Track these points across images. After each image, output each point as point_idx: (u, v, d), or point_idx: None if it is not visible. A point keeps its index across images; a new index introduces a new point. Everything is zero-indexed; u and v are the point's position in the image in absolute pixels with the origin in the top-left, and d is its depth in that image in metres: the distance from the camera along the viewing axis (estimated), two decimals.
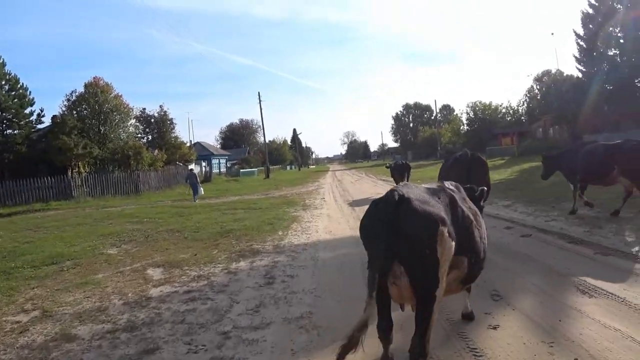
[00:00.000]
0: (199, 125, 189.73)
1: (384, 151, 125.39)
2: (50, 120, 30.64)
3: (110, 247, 10.54)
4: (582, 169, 9.36)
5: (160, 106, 40.99)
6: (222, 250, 9.01)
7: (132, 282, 7.10)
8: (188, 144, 65.54)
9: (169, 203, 22.54)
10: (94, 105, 30.66)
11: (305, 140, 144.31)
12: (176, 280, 7.00)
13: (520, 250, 7.23)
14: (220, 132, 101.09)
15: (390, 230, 2.90)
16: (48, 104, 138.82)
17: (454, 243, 3.14)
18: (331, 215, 13.41)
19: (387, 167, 19.60)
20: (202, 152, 63.63)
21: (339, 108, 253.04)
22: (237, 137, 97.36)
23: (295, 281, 6.39)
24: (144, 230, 12.73)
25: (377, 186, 25.34)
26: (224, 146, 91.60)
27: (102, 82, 32.19)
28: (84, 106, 31.06)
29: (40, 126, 32.07)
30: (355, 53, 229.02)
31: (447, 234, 3.05)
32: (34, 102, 30.94)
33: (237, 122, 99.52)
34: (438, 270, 3.00)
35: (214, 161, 66.77)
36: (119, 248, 10.36)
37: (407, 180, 17.74)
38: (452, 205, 3.39)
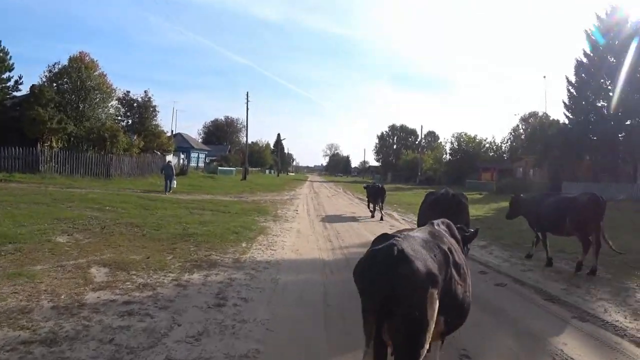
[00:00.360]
0: (182, 116, 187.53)
1: (364, 168, 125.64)
2: (29, 90, 29.32)
3: (61, 234, 9.78)
4: (542, 217, 9.40)
5: (145, 91, 39.87)
6: (177, 256, 8.35)
7: (70, 281, 6.41)
8: (169, 134, 64.79)
9: (138, 192, 21.68)
10: (75, 80, 29.50)
11: (287, 147, 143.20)
12: (119, 285, 6.33)
13: (494, 302, 6.76)
14: (203, 127, 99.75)
15: (387, 287, 2.83)
16: (30, 73, 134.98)
17: (438, 303, 3.04)
18: (301, 231, 12.84)
19: (364, 187, 19.54)
20: (182, 144, 62.42)
21: (325, 119, 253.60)
22: (220, 133, 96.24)
23: (248, 307, 5.79)
24: (102, 220, 12.01)
25: (352, 204, 24.91)
26: (205, 141, 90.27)
27: (87, 58, 31.13)
28: (65, 80, 29.86)
29: (17, 94, 30.79)
30: (348, 67, 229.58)
31: (436, 296, 2.98)
32: (13, 68, 29.77)
33: (222, 119, 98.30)
34: (425, 332, 2.93)
35: (193, 155, 65.61)
36: (69, 236, 9.61)
37: (382, 204, 17.98)
38: (445, 263, 3.27)
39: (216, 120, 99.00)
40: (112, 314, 5.22)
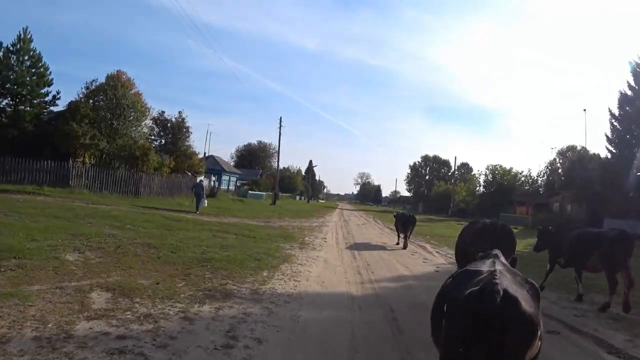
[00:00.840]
0: (216, 139, 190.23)
1: (395, 198, 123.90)
2: (66, 105, 29.75)
3: (72, 251, 9.15)
4: (566, 251, 9.15)
5: (179, 112, 40.15)
6: (190, 283, 7.54)
7: (64, 307, 5.66)
8: (200, 155, 65.26)
9: (164, 212, 21.22)
10: (111, 97, 29.75)
11: (319, 174, 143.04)
12: (117, 315, 5.54)
13: (549, 353, 5.67)
14: (236, 150, 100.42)
15: (494, 333, 2.62)
16: (71, 91, 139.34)
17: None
18: (329, 261, 11.91)
19: (394, 216, 18.82)
20: (214, 167, 62.81)
21: (358, 148, 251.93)
22: (252, 158, 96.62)
23: (261, 350, 4.88)
24: (119, 238, 11.39)
25: (382, 234, 23.84)
26: (237, 165, 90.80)
27: (124, 76, 31.50)
28: (101, 97, 30.17)
29: (55, 109, 31.27)
30: (381, 97, 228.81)
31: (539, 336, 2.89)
32: (52, 83, 30.23)
33: (255, 143, 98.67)
34: None
35: (224, 177, 65.85)
36: (80, 254, 8.97)
37: (410, 233, 17.51)
38: (537, 300, 3.14)
39: (249, 144, 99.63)
40: (100, 351, 4.40)
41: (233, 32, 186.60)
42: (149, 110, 32.94)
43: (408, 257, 14.38)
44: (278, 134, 52.74)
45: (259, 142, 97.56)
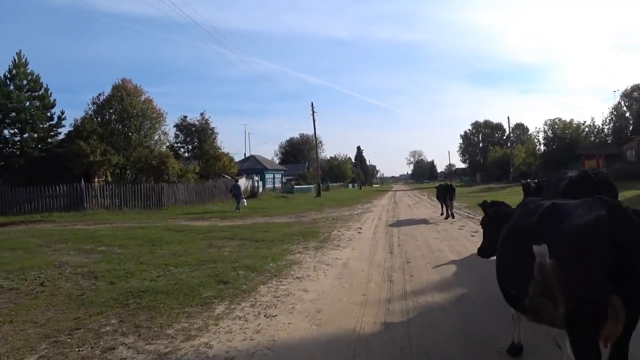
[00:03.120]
0: (260, 140, 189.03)
1: (451, 172, 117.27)
2: (72, 125, 27.61)
3: None
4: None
5: (201, 114, 37.22)
6: (61, 346, 4.19)
7: None
8: (240, 157, 62.96)
9: (181, 221, 18.39)
10: (116, 108, 27.25)
11: (369, 159, 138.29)
12: None
13: None
14: (280, 147, 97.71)
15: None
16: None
17: None
18: (350, 265, 8.30)
19: (436, 188, 18.74)
20: (255, 166, 60.30)
21: (405, 127, 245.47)
22: (297, 152, 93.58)
23: None
24: (64, 269, 8.40)
25: (436, 212, 19.88)
26: (283, 161, 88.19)
27: (130, 84, 28.87)
28: (110, 110, 27.76)
29: (63, 130, 29.22)
30: (422, 72, 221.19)
31: None
32: (55, 104, 28.02)
33: (298, 136, 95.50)
34: None
35: (268, 176, 63.18)
36: None
37: (451, 202, 16.70)
38: None
39: (291, 139, 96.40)
40: None
41: (267, 35, 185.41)
42: (162, 116, 30.06)
43: (466, 241, 10.54)
44: (312, 120, 49.08)
45: (301, 135, 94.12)
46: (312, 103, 50.07)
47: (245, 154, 65.11)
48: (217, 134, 37.08)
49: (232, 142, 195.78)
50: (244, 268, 7.50)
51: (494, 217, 4.34)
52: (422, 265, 7.99)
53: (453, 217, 16.17)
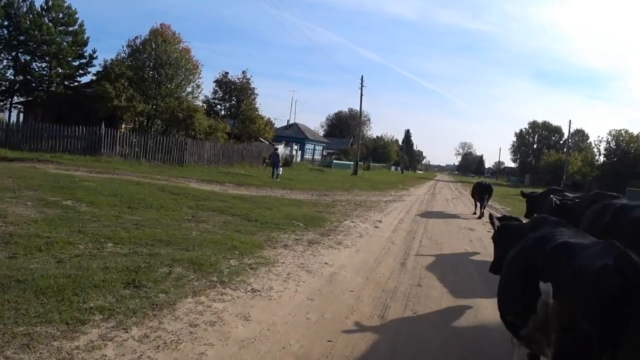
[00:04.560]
0: (306, 109, 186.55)
1: (499, 170, 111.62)
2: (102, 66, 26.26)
3: None
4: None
5: (243, 72, 35.20)
6: None
7: None
8: (283, 123, 61.14)
9: (187, 182, 16.74)
10: (150, 53, 25.58)
11: (417, 144, 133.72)
12: None
13: None
14: (327, 119, 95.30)
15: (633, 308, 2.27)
16: None
17: None
18: (337, 278, 6.14)
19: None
20: (297, 135, 58.54)
21: (459, 116, 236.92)
22: (344, 126, 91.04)
23: None
24: None
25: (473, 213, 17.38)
26: (328, 134, 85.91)
27: (168, 30, 27.06)
28: (144, 55, 26.15)
29: (92, 70, 27.96)
30: (483, 63, 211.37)
31: None
32: (87, 42, 26.68)
33: (346, 111, 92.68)
34: None
35: (308, 146, 61.32)
36: None
37: (487, 202, 16.77)
38: None
39: (339, 112, 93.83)
40: None
41: (330, 5, 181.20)
42: (197, 68, 28.19)
43: None
44: (360, 94, 46.43)
45: (350, 110, 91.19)
46: (361, 76, 47.37)
47: (288, 120, 63.21)
48: (257, 94, 35.09)
49: (280, 109, 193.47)
50: (189, 263, 5.48)
51: (503, 233, 3.96)
52: (437, 295, 5.79)
53: (483, 215, 15.54)
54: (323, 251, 7.47)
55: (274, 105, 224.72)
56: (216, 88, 35.17)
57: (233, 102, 35.09)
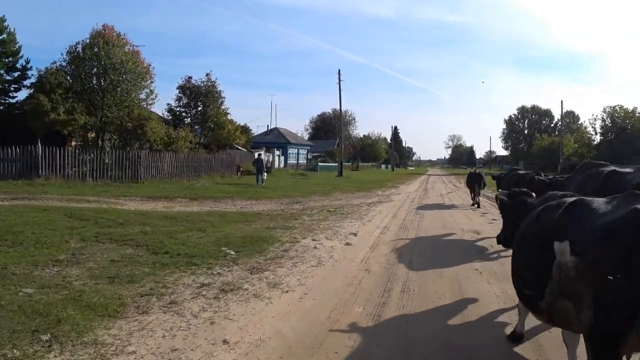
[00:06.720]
0: (289, 114, 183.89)
1: (491, 159, 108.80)
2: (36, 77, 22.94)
3: None
4: None
5: (207, 75, 31.96)
6: None
7: None
8: (263, 129, 58.00)
9: (123, 202, 13.52)
10: (90, 58, 22.24)
11: (406, 141, 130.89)
12: None
13: None
14: (310, 122, 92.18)
15: None
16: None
17: None
18: None
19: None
20: (278, 140, 55.35)
21: (445, 110, 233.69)
22: (328, 127, 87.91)
23: None
24: None
25: (476, 213, 14.35)
26: (313, 137, 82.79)
27: (112, 32, 23.67)
28: (86, 61, 22.80)
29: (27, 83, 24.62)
30: (464, 55, 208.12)
31: None
32: (20, 52, 23.32)
33: (330, 112, 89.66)
34: None
35: (291, 150, 58.10)
36: None
37: (479, 190, 16.75)
38: None
39: (323, 114, 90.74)
40: None
41: (308, 11, 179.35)
42: (148, 71, 24.78)
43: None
44: (338, 89, 43.48)
45: (334, 110, 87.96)
46: (338, 70, 44.55)
47: (268, 125, 60.05)
48: (224, 98, 31.89)
49: (265, 119, 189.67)
50: None
51: (515, 206, 4.03)
52: None
53: (479, 206, 16.08)
54: (235, 308, 4.33)
55: (257, 114, 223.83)
56: (180, 94, 31.99)
57: (199, 108, 31.92)
